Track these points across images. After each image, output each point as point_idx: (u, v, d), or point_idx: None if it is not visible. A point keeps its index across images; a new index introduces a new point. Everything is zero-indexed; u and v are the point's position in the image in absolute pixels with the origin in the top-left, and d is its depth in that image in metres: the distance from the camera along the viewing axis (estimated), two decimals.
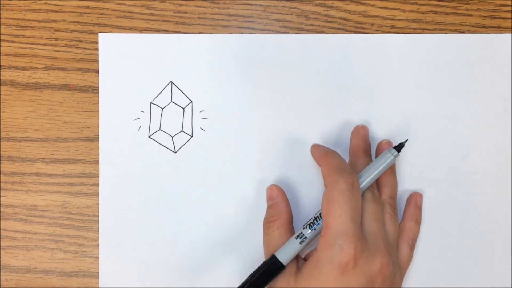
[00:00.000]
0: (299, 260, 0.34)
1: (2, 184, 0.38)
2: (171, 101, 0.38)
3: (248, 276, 0.33)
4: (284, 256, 0.33)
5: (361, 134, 0.36)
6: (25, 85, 0.38)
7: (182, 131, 0.38)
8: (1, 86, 0.38)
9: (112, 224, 0.38)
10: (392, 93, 0.37)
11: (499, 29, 0.37)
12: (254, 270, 0.33)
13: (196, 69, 0.38)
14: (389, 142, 0.36)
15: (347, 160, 0.36)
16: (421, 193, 0.37)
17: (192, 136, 0.38)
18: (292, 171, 0.37)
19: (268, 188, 0.36)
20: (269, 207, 0.36)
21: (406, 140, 0.35)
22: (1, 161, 0.38)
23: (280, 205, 0.35)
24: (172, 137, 0.38)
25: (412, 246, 0.35)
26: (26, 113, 0.38)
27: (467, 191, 0.37)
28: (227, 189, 0.37)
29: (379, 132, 0.37)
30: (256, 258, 0.37)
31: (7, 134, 0.38)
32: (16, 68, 0.38)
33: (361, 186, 0.33)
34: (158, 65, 0.38)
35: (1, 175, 0.38)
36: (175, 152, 0.38)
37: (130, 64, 0.38)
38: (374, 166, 0.34)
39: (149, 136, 0.38)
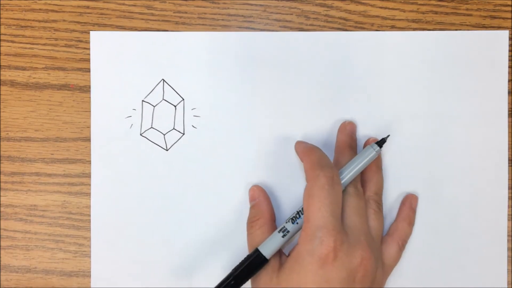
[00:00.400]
0: (282, 256, 0.34)
1: (2, 184, 0.38)
2: (162, 99, 0.38)
3: (232, 270, 0.33)
4: (266, 249, 0.33)
5: (347, 130, 0.36)
6: (25, 85, 0.38)
7: (174, 129, 0.38)
8: (1, 86, 0.38)
9: (104, 223, 0.38)
10: (390, 91, 0.37)
11: (499, 29, 0.37)
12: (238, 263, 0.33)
13: (188, 66, 0.38)
14: (375, 139, 0.36)
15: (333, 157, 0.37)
16: (417, 196, 0.37)
17: (184, 134, 0.38)
18: (284, 169, 0.37)
19: (250, 189, 0.37)
20: (251, 208, 0.36)
21: (388, 136, 0.35)
22: (1, 161, 0.38)
23: (261, 205, 0.36)
24: (164, 135, 0.38)
25: (401, 247, 0.36)
26: (26, 113, 0.38)
27: (464, 190, 0.37)
28: (219, 187, 0.37)
29: (378, 131, 0.37)
30: None
31: (7, 134, 0.38)
32: (16, 68, 0.38)
33: (342, 181, 0.33)
34: (149, 63, 0.38)
35: (1, 175, 0.38)
36: (167, 150, 0.38)
37: (121, 62, 0.38)
38: (356, 161, 0.34)
39: (140, 134, 0.38)
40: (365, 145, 0.36)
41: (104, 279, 0.38)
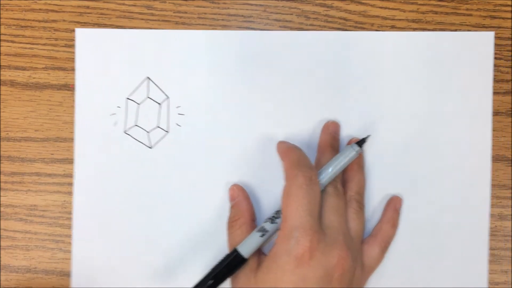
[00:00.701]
0: (261, 256, 0.34)
1: (2, 184, 0.38)
2: (147, 97, 0.38)
3: (211, 269, 0.33)
4: (245, 249, 0.33)
5: (330, 130, 0.36)
6: (25, 85, 0.38)
7: (158, 126, 0.38)
8: (1, 86, 0.38)
9: (86, 221, 0.38)
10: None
11: (499, 29, 0.37)
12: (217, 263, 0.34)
13: (173, 64, 0.37)
14: (357, 139, 0.36)
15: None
16: (401, 198, 0.37)
17: (168, 132, 0.38)
18: (267, 169, 0.37)
19: (229, 189, 0.37)
20: (231, 207, 0.36)
21: (369, 136, 0.35)
22: (1, 161, 0.38)
23: (241, 205, 0.36)
24: (148, 132, 0.38)
25: (384, 249, 0.36)
26: (26, 113, 0.38)
27: (446, 190, 0.37)
28: (202, 185, 0.37)
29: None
30: None
31: (7, 134, 0.38)
32: (16, 68, 0.38)
33: (322, 181, 0.33)
34: (134, 60, 0.38)
35: (1, 175, 0.38)
36: (150, 148, 0.38)
37: (107, 59, 0.38)
38: (335, 161, 0.34)
39: (125, 132, 0.38)
40: (347, 145, 0.36)
41: (85, 278, 0.37)
